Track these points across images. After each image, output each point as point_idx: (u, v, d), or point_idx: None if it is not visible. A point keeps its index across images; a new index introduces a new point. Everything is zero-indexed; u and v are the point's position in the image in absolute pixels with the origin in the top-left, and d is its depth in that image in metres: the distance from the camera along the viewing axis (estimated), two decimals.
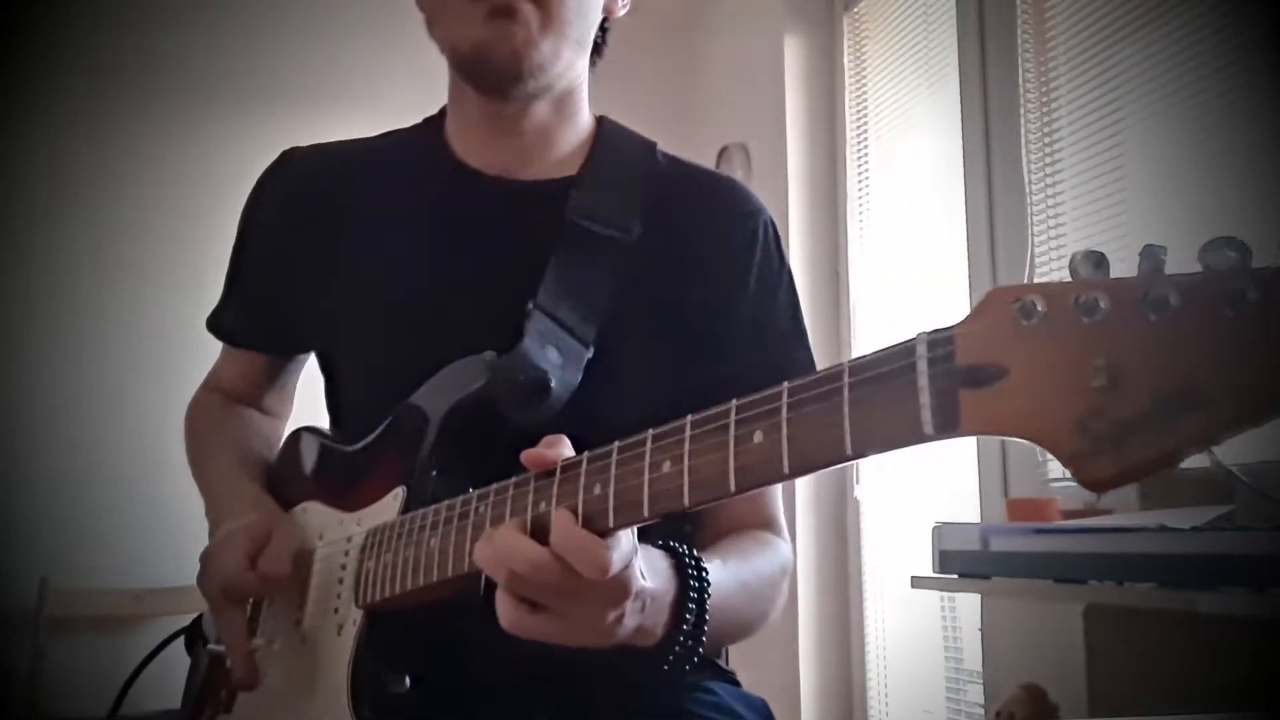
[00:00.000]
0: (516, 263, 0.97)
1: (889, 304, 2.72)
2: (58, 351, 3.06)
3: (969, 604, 2.30)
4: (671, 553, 0.79)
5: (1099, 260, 0.48)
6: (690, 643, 0.77)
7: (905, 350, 0.54)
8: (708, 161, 3.25)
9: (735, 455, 0.61)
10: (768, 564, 0.97)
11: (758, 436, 0.60)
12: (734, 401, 0.63)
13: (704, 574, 0.79)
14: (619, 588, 0.69)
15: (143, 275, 3.15)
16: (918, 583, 1.68)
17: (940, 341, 0.52)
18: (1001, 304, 0.50)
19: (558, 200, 0.99)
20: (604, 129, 1.07)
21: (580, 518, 0.68)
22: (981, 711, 2.20)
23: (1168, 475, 0.45)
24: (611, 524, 0.67)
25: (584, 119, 1.06)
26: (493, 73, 0.95)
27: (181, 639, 1.11)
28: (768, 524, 1.02)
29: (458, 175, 1.03)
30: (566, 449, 0.73)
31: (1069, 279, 0.50)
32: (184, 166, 3.22)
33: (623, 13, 1.06)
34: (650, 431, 0.67)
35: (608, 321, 0.95)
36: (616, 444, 0.69)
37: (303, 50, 3.33)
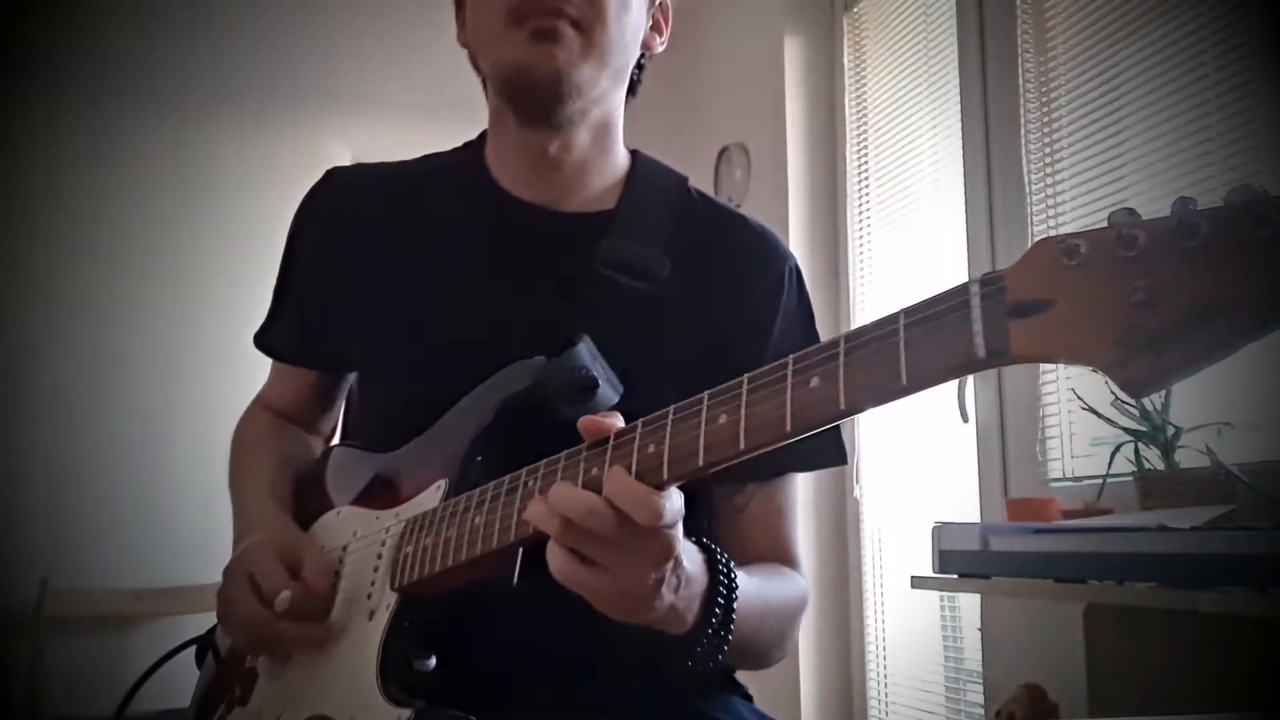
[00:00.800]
0: (550, 300, 1.00)
1: (889, 304, 2.72)
2: (58, 351, 3.06)
3: (969, 604, 2.30)
4: (704, 548, 0.82)
5: (1132, 212, 0.55)
6: (715, 639, 0.80)
7: (959, 290, 0.60)
8: (708, 162, 3.25)
9: (792, 399, 0.65)
10: (789, 589, 0.99)
11: (814, 381, 0.65)
12: (790, 356, 0.67)
13: (733, 574, 0.82)
14: (665, 545, 0.73)
15: (143, 275, 3.15)
16: (918, 583, 1.68)
17: (991, 281, 0.58)
18: (1047, 248, 0.57)
19: (593, 239, 1.01)
20: (638, 164, 1.09)
21: (634, 473, 0.72)
22: (981, 711, 2.20)
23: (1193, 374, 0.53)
24: (666, 476, 0.70)
25: (620, 153, 1.08)
26: (534, 92, 0.98)
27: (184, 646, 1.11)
28: (788, 559, 1.04)
29: (501, 203, 1.05)
30: (620, 421, 0.77)
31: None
32: (186, 166, 3.22)
33: (660, 49, 1.09)
34: (706, 391, 0.71)
35: (637, 368, 0.96)
36: (672, 406, 0.72)
37: (304, 51, 3.33)
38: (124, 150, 3.18)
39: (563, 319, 0.97)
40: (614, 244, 1.01)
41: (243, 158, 3.16)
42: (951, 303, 0.60)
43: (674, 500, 0.72)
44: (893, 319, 0.62)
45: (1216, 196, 1.70)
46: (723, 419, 0.68)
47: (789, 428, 0.65)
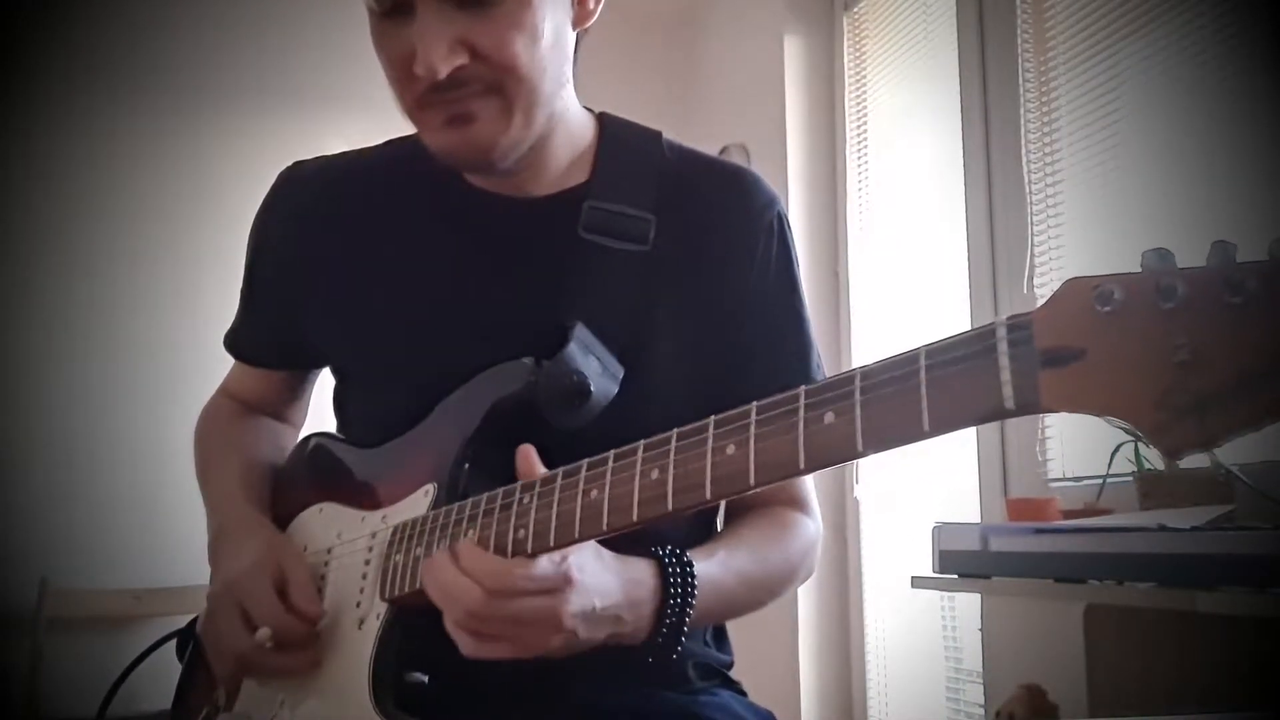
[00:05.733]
0: (535, 281, 0.97)
1: (889, 304, 2.72)
2: (57, 352, 3.06)
3: (969, 604, 2.30)
4: (657, 561, 0.84)
5: (1166, 255, 0.53)
6: (667, 640, 0.83)
7: (984, 333, 0.57)
8: None
9: (805, 436, 0.64)
10: (780, 552, 0.99)
11: (829, 417, 0.63)
12: (803, 389, 0.66)
13: (690, 581, 0.84)
14: (548, 614, 0.76)
15: (142, 274, 3.15)
16: (918, 583, 1.67)
17: (1019, 325, 0.56)
18: (1079, 291, 0.54)
19: (570, 214, 0.97)
20: (607, 129, 1.05)
21: (636, 505, 0.72)
22: (981, 711, 2.20)
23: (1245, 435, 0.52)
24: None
25: (577, 126, 1.02)
26: (466, 167, 0.97)
27: (170, 642, 1.10)
28: (796, 501, 1.03)
29: (468, 196, 1.01)
30: (540, 470, 0.80)
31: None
32: (185, 165, 3.22)
33: (596, 14, 0.98)
34: (712, 419, 0.70)
35: (633, 332, 0.95)
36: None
37: (302, 50, 3.33)
38: (122, 150, 3.17)
39: (551, 294, 0.95)
40: (595, 208, 0.97)
41: (241, 156, 3.16)
42: (977, 346, 0.57)
43: (541, 565, 0.75)
44: (912, 358, 0.60)
45: (1215, 198, 1.69)
46: (731, 449, 0.68)
47: (802, 465, 0.64)
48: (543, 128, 0.94)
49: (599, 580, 0.79)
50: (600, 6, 0.98)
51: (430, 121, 0.91)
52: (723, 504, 1.04)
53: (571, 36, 0.95)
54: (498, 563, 0.76)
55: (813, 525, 1.03)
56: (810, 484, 1.05)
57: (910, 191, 2.65)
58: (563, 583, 0.76)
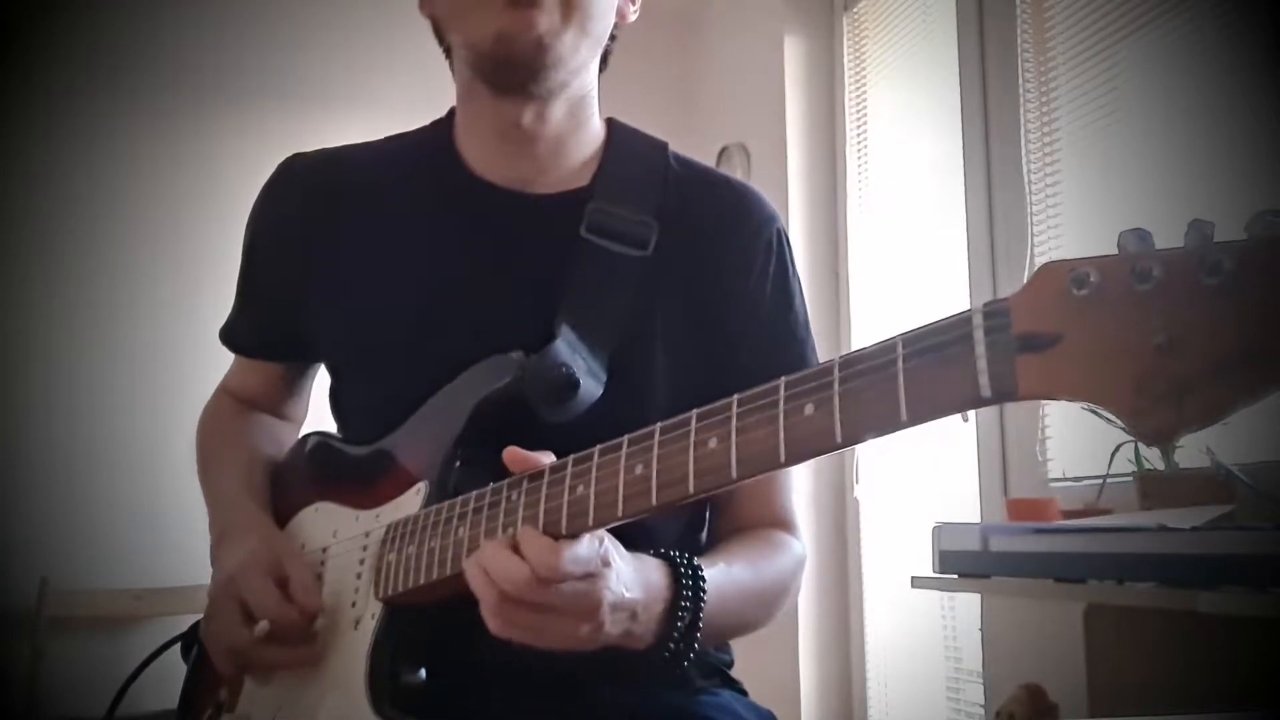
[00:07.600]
0: (533, 278, 0.97)
1: (889, 304, 2.72)
2: (57, 352, 3.06)
3: (969, 604, 2.30)
4: (669, 562, 0.82)
5: (1144, 235, 0.52)
6: (681, 645, 0.81)
7: (961, 320, 0.56)
8: (708, 161, 3.25)
9: (785, 428, 0.63)
10: (773, 569, 0.98)
11: (808, 409, 0.62)
12: (782, 380, 0.65)
13: (700, 584, 0.82)
14: (589, 601, 0.74)
15: (142, 275, 3.15)
16: (918, 583, 1.67)
17: (995, 312, 0.55)
18: (1054, 276, 0.53)
19: (573, 215, 0.98)
20: (615, 135, 1.05)
21: (621, 500, 0.72)
22: (981, 711, 2.20)
23: (1219, 425, 0.50)
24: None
25: (595, 126, 1.04)
26: (515, 66, 0.93)
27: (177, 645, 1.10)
28: (782, 522, 1.03)
29: (471, 189, 1.01)
30: (549, 459, 0.79)
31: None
32: (184, 166, 3.22)
33: (633, 18, 1.04)
34: (694, 412, 0.70)
35: (628, 335, 0.95)
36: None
37: (303, 50, 3.33)
38: (122, 150, 3.17)
39: (549, 293, 0.95)
40: (599, 210, 0.98)
41: (243, 156, 3.15)
42: (953, 334, 0.56)
43: (580, 549, 0.73)
44: (890, 347, 0.59)
45: (1215, 198, 1.70)
46: (713, 443, 0.67)
47: (783, 458, 0.63)
48: (577, 72, 0.96)
49: (626, 569, 0.78)
50: (635, 16, 1.03)
51: (491, 3, 0.90)
52: (707, 524, 1.04)
53: (613, 13, 0.99)
54: (550, 545, 0.74)
55: (799, 546, 1.03)
56: (795, 504, 1.06)
57: (910, 191, 2.65)
58: (601, 566, 0.75)
